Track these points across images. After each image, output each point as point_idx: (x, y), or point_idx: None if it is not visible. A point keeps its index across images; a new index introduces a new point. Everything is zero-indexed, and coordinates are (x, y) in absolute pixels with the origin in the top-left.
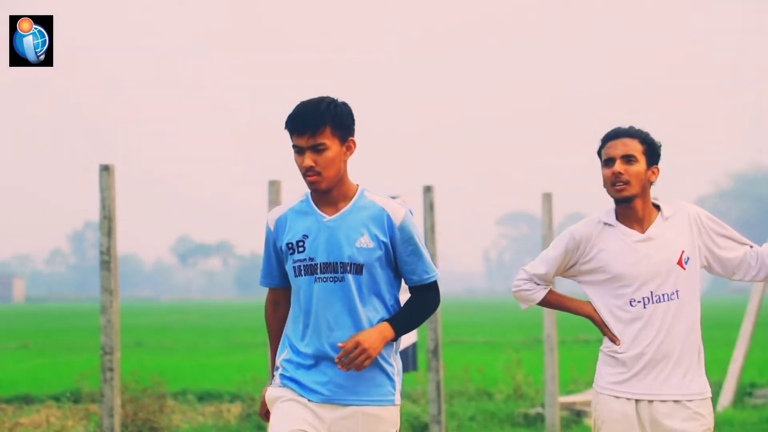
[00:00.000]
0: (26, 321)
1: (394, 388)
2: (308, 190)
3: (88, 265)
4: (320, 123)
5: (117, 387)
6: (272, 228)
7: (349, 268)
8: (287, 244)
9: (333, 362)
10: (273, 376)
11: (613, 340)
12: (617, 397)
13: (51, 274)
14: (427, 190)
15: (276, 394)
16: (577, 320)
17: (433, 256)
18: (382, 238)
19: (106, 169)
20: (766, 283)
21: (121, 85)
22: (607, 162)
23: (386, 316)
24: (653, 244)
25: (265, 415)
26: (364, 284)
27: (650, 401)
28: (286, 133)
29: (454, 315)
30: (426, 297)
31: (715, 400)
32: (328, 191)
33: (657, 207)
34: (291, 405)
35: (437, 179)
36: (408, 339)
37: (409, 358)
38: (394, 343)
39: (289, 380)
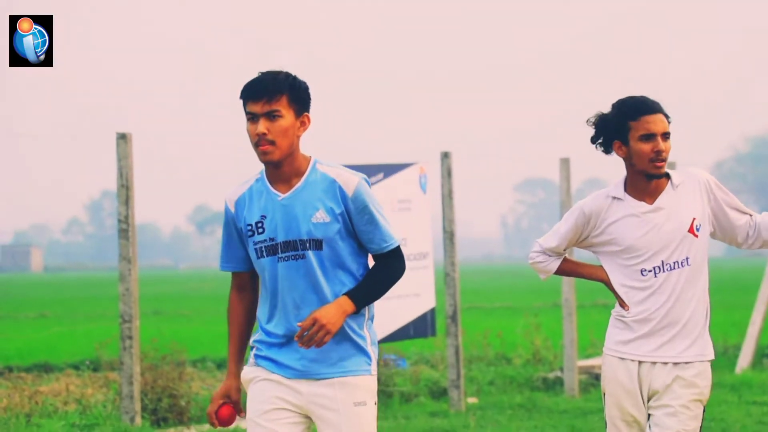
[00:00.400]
0: (44, 291)
1: (370, 359)
2: (263, 168)
3: (105, 235)
4: (277, 90)
5: (136, 355)
6: (232, 209)
7: (308, 244)
8: (247, 226)
9: (293, 329)
10: (229, 368)
11: (623, 305)
12: (622, 359)
13: (69, 244)
14: (445, 156)
15: (250, 375)
16: (595, 285)
17: (450, 222)
18: (337, 210)
19: (123, 138)
20: None
21: (128, 62)
22: (647, 137)
23: (359, 264)
24: (663, 214)
25: (215, 414)
26: (326, 259)
27: (653, 363)
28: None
29: (472, 281)
30: (387, 265)
31: (733, 362)
32: (279, 165)
33: (666, 176)
34: (265, 384)
35: (455, 145)
36: (426, 305)
37: (427, 324)
38: (366, 313)
39: (263, 359)
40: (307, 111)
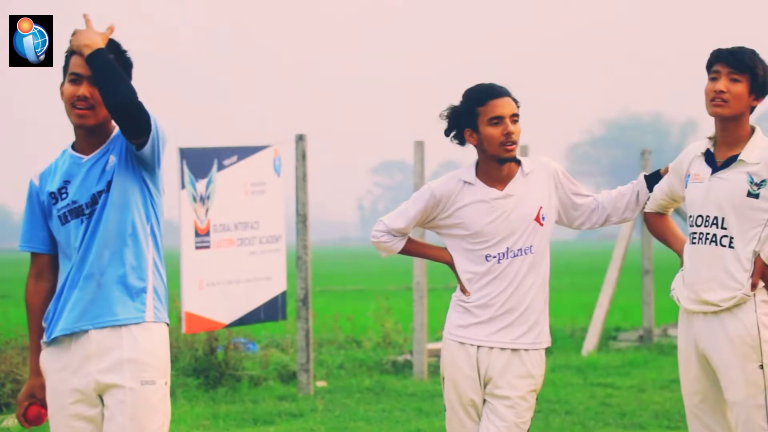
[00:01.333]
0: None
1: (144, 304)
2: (66, 147)
3: None
4: None
5: None
6: (36, 183)
7: (104, 189)
8: (50, 194)
9: (82, 285)
10: (31, 365)
11: (464, 291)
12: (462, 343)
13: None
14: (300, 138)
15: (44, 365)
16: (448, 268)
17: (303, 205)
18: (123, 146)
19: None
20: (632, 228)
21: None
22: (496, 121)
23: (148, 215)
24: (512, 201)
25: (23, 417)
26: (112, 201)
27: (490, 348)
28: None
29: (327, 264)
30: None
31: (580, 344)
32: (92, 131)
33: (518, 162)
34: (57, 377)
35: (311, 128)
36: (277, 288)
37: (278, 307)
38: (136, 262)
39: (48, 332)
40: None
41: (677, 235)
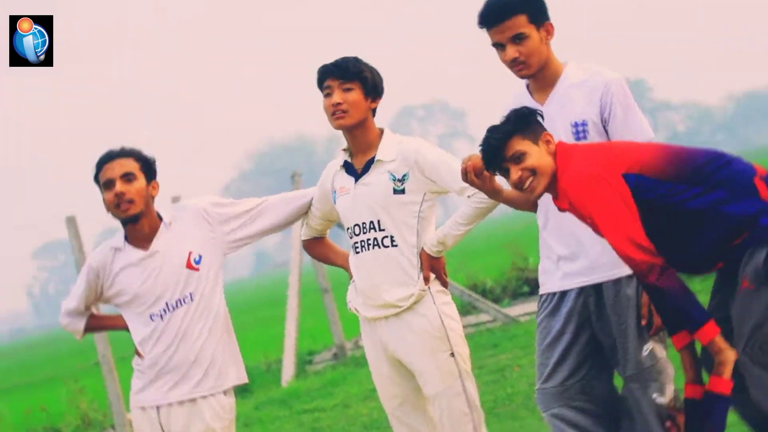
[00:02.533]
0: None
1: None
2: None
3: None
4: None
5: None
6: None
7: None
8: None
9: None
10: None
11: (139, 354)
12: (143, 408)
13: None
14: None
15: None
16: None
17: None
18: None
19: None
20: (302, 252)
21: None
22: (106, 186)
23: None
24: (159, 257)
25: None
26: None
27: (169, 405)
28: None
29: (6, 360)
30: None
31: (277, 376)
32: None
33: (160, 217)
34: None
35: None
36: None
37: None
38: None
39: None
40: None
41: (337, 250)
